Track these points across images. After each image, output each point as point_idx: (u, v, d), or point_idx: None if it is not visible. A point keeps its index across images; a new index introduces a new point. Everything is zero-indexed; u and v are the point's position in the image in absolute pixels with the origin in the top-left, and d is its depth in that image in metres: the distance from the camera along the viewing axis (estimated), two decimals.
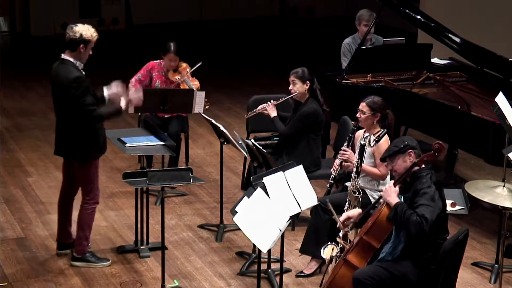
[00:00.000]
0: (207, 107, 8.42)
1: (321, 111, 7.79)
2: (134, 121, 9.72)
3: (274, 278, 6.85)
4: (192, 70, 8.75)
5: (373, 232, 5.72)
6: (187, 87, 8.62)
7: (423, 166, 5.73)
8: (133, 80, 8.63)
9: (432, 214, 5.52)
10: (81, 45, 6.73)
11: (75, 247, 7.12)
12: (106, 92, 6.94)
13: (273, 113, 7.91)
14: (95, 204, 7.07)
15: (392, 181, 5.76)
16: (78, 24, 6.81)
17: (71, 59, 6.75)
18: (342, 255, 5.95)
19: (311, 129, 7.75)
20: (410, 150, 5.77)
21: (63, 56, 6.78)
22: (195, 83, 8.70)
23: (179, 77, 8.66)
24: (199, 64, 8.72)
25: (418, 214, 5.49)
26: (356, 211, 6.12)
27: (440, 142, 5.72)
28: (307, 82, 7.73)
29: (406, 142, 5.79)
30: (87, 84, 6.74)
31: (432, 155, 5.69)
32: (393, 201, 5.61)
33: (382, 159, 5.95)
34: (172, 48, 8.64)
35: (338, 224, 6.12)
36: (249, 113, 8.12)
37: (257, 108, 8.02)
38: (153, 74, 8.73)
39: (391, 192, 5.66)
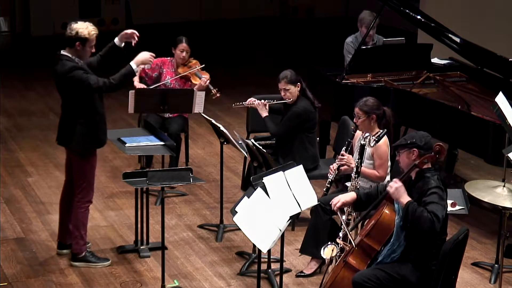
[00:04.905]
0: (218, 94, 8.56)
1: (313, 109, 7.78)
2: (134, 121, 9.72)
3: (274, 278, 6.85)
4: (193, 70, 8.78)
5: (374, 234, 5.71)
6: (197, 79, 8.65)
7: (429, 166, 5.71)
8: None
9: (442, 212, 5.51)
10: (77, 43, 6.75)
11: (72, 246, 7.13)
12: (117, 40, 7.01)
13: (264, 113, 7.91)
14: (88, 203, 7.07)
15: (397, 179, 5.68)
16: (78, 22, 6.81)
17: (69, 55, 6.78)
18: (342, 256, 5.95)
19: (303, 127, 7.75)
20: (414, 149, 5.71)
21: (61, 51, 6.81)
22: (205, 76, 8.71)
23: (190, 70, 8.71)
24: (201, 66, 8.76)
25: (429, 211, 5.45)
26: (350, 196, 6.04)
27: (440, 144, 5.69)
28: (298, 84, 7.73)
29: (414, 139, 5.72)
30: (83, 70, 6.75)
31: (433, 157, 5.67)
32: (404, 200, 5.56)
33: (394, 147, 5.92)
34: (183, 40, 8.75)
35: (340, 218, 6.12)
36: (237, 104, 8.09)
37: (246, 102, 8.02)
38: (164, 70, 8.76)
39: (402, 192, 5.60)
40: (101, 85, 6.75)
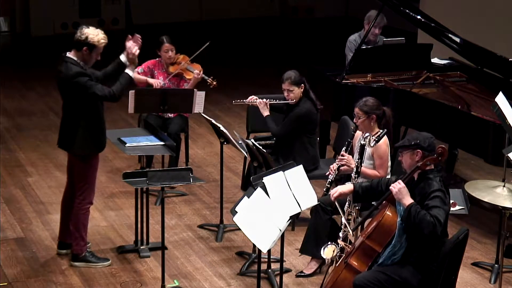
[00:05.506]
0: (214, 82, 8.61)
1: (315, 110, 7.78)
2: (134, 121, 9.72)
3: (274, 278, 6.85)
4: (198, 52, 8.75)
5: (375, 236, 5.69)
6: (190, 73, 8.65)
7: (432, 167, 5.70)
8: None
9: (444, 217, 5.51)
10: (85, 48, 6.73)
11: (72, 247, 7.14)
12: (123, 57, 6.92)
13: (265, 112, 7.90)
14: (88, 205, 7.08)
15: (401, 180, 5.68)
16: (90, 27, 6.79)
17: (74, 58, 6.77)
18: (343, 257, 5.94)
19: (305, 129, 7.75)
20: (418, 150, 5.71)
21: (67, 54, 6.80)
22: (196, 69, 8.70)
23: (180, 67, 8.70)
24: (206, 45, 8.74)
25: (432, 215, 5.45)
26: (348, 187, 6.10)
27: (443, 146, 5.69)
28: (302, 85, 7.73)
29: (418, 141, 5.71)
30: (89, 76, 6.74)
31: (435, 159, 5.66)
32: (407, 202, 5.55)
33: (396, 148, 5.93)
34: (165, 40, 8.73)
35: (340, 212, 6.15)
36: (237, 101, 8.08)
37: (247, 99, 8.02)
38: (155, 71, 8.76)
39: (405, 193, 5.60)
40: (106, 94, 6.75)
